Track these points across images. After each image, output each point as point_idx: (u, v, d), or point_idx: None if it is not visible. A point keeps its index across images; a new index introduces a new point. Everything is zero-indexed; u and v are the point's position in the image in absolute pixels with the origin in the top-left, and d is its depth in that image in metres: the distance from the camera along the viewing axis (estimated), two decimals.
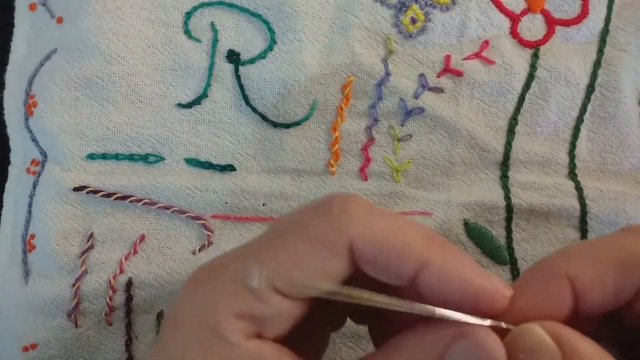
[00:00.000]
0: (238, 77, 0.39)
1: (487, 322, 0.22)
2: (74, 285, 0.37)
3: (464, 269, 0.21)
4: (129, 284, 0.37)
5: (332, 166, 0.39)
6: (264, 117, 0.39)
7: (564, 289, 0.22)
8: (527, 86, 0.39)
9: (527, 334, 0.21)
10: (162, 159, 0.39)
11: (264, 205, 0.38)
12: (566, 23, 0.39)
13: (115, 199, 0.38)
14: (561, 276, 0.22)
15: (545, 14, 0.39)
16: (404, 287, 0.22)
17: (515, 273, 0.39)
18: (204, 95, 0.39)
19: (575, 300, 0.22)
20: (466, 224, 0.38)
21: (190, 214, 0.38)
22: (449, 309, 0.21)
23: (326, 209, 0.22)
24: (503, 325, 0.22)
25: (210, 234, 0.38)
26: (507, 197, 0.38)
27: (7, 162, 0.41)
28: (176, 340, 0.22)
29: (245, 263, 0.22)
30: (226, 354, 0.21)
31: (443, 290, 0.21)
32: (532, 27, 0.39)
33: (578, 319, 0.22)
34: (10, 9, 0.42)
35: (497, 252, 0.38)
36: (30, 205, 0.39)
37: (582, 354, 0.20)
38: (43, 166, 0.39)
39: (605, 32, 0.39)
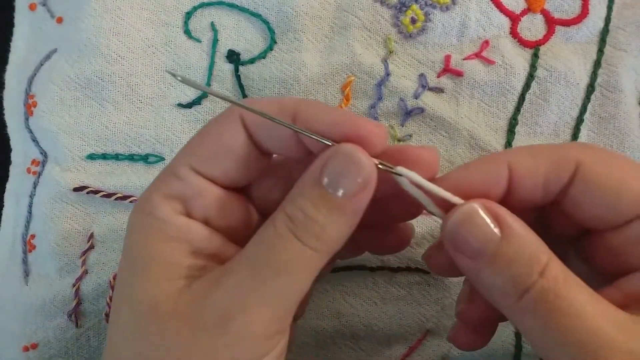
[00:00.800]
0: (238, 77, 0.39)
1: (440, 191, 0.25)
2: (74, 285, 0.37)
3: (331, 113, 0.25)
4: None
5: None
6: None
7: (501, 172, 0.25)
8: (527, 86, 0.39)
9: (468, 211, 0.24)
10: (162, 159, 0.39)
11: None
12: (566, 23, 0.39)
13: (115, 199, 0.38)
14: (501, 162, 0.26)
15: (545, 14, 0.39)
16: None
17: None
18: (204, 95, 0.39)
19: (510, 184, 0.25)
20: None
21: None
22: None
23: (224, 111, 0.27)
24: (457, 201, 0.25)
25: None
26: None
27: (8, 162, 0.41)
28: (128, 232, 0.26)
29: (173, 159, 0.27)
30: (156, 226, 0.25)
31: (319, 131, 0.25)
32: (532, 27, 0.39)
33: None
34: (10, 9, 0.42)
35: None
36: (30, 205, 0.39)
37: (516, 229, 0.24)
38: (43, 166, 0.39)
39: (605, 32, 0.39)
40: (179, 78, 0.25)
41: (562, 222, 0.28)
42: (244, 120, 0.26)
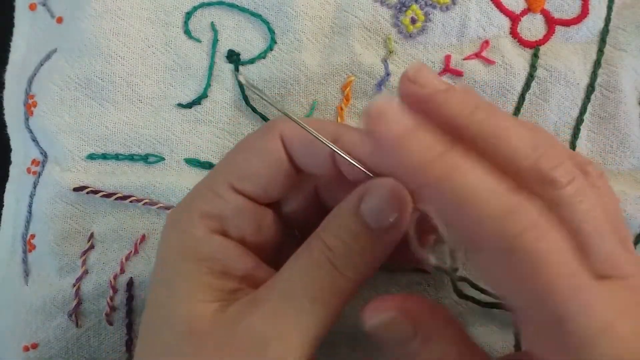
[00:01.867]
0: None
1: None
2: (74, 285, 0.37)
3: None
4: (130, 283, 0.37)
5: None
6: (263, 117, 0.39)
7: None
8: (527, 86, 0.39)
9: (388, 322, 0.25)
10: (162, 159, 0.39)
11: None
12: (566, 23, 0.39)
13: (116, 199, 0.38)
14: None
15: (545, 14, 0.39)
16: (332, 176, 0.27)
17: None
18: (204, 95, 0.39)
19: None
20: None
21: None
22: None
23: (263, 127, 0.28)
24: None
25: None
26: None
27: (8, 161, 0.41)
28: (162, 249, 0.26)
29: (210, 175, 0.27)
30: (194, 247, 0.25)
31: (358, 157, 0.25)
32: (532, 27, 0.39)
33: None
34: (10, 9, 0.42)
35: None
36: (30, 205, 0.39)
37: (431, 338, 0.24)
38: (43, 166, 0.39)
39: (605, 32, 0.39)
40: (245, 83, 0.28)
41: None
42: (283, 136, 0.27)
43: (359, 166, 0.25)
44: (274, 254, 0.28)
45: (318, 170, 0.27)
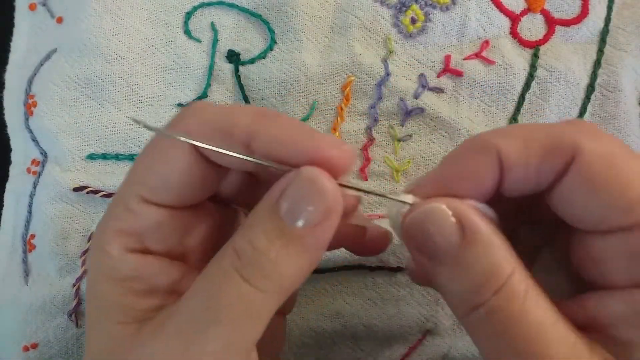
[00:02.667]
0: (238, 77, 0.39)
1: (408, 198, 0.23)
2: (74, 285, 0.37)
3: (292, 135, 0.22)
4: None
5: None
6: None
7: (491, 161, 0.22)
8: (527, 86, 0.39)
9: (432, 211, 0.22)
10: None
11: None
12: (566, 23, 0.39)
13: None
14: (491, 149, 0.22)
15: (545, 14, 0.39)
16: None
17: None
18: (204, 95, 0.39)
19: (500, 174, 0.23)
20: None
21: None
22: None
23: (169, 124, 0.24)
24: (410, 200, 0.23)
25: None
26: None
27: (8, 161, 0.41)
28: (88, 270, 0.25)
29: (121, 189, 0.24)
30: (109, 265, 0.23)
31: (278, 155, 0.22)
32: (532, 27, 0.39)
33: (500, 201, 0.23)
34: (10, 9, 0.42)
35: None
36: (30, 205, 0.39)
37: (480, 234, 0.21)
38: (43, 166, 0.39)
39: (605, 32, 0.39)
40: (141, 125, 0.23)
41: (544, 213, 0.25)
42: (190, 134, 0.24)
43: (275, 166, 0.22)
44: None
45: (242, 168, 0.24)
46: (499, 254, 0.21)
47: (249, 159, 0.22)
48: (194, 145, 0.23)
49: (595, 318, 0.22)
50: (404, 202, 0.23)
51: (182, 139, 0.22)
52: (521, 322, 0.20)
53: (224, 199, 0.27)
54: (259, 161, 0.22)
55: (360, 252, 0.28)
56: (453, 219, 0.22)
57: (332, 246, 0.25)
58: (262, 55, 0.39)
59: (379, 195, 0.25)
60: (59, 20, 0.40)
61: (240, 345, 0.21)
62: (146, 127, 0.22)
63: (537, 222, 0.27)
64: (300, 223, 0.21)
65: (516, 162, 0.22)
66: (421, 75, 0.39)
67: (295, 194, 0.21)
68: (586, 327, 0.22)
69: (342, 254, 0.38)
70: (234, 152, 0.22)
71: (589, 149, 0.21)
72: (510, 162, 0.22)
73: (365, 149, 0.39)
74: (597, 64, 0.39)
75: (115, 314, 0.23)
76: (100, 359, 0.23)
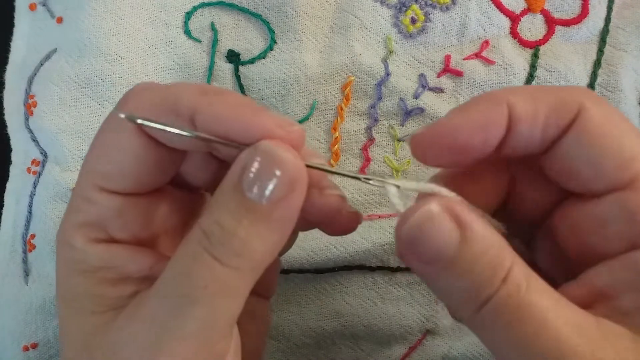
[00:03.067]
0: (238, 77, 0.39)
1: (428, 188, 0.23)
2: None
3: (236, 112, 0.22)
4: None
5: (332, 166, 0.39)
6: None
7: (501, 111, 0.23)
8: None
9: (427, 215, 0.21)
10: None
11: None
12: (566, 23, 0.39)
13: None
14: (501, 101, 0.23)
15: (545, 14, 0.39)
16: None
17: None
18: None
19: (509, 126, 0.23)
20: None
21: None
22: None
23: (116, 106, 0.24)
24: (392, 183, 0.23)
25: None
26: None
27: (8, 162, 0.41)
28: (55, 265, 0.25)
29: (78, 180, 0.24)
30: (74, 258, 0.23)
31: (224, 133, 0.22)
32: (532, 27, 0.39)
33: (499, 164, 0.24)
34: (10, 9, 0.42)
35: None
36: (30, 205, 0.39)
37: (477, 230, 0.21)
38: (43, 166, 0.39)
39: (605, 32, 0.39)
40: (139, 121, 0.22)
41: (540, 186, 0.25)
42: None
43: (224, 143, 0.22)
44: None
45: (189, 146, 0.24)
46: (498, 245, 0.21)
47: (194, 134, 0.22)
48: (143, 128, 0.22)
49: (599, 292, 0.22)
50: (381, 183, 0.23)
51: (123, 116, 0.22)
52: (529, 310, 0.20)
53: (189, 183, 0.27)
54: (207, 137, 0.22)
55: (333, 231, 0.27)
56: (450, 219, 0.21)
57: (305, 224, 0.26)
58: (262, 55, 0.39)
59: (348, 176, 0.24)
60: (59, 20, 0.40)
61: (220, 323, 0.21)
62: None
63: (525, 210, 0.27)
64: (264, 198, 0.21)
65: (525, 116, 0.23)
66: (421, 75, 0.39)
67: (256, 169, 0.21)
68: (593, 304, 0.22)
69: (342, 254, 0.38)
70: (177, 129, 0.22)
71: (592, 109, 0.22)
72: (520, 114, 0.23)
73: (365, 149, 0.39)
74: (597, 64, 0.39)
75: (88, 305, 0.23)
76: (79, 350, 0.23)
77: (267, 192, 0.21)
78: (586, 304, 0.22)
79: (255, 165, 0.21)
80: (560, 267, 0.25)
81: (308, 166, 0.22)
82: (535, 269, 0.22)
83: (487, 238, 0.21)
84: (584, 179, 0.23)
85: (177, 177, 0.26)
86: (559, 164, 0.23)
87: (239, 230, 0.21)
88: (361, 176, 0.24)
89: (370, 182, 0.24)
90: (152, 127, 0.22)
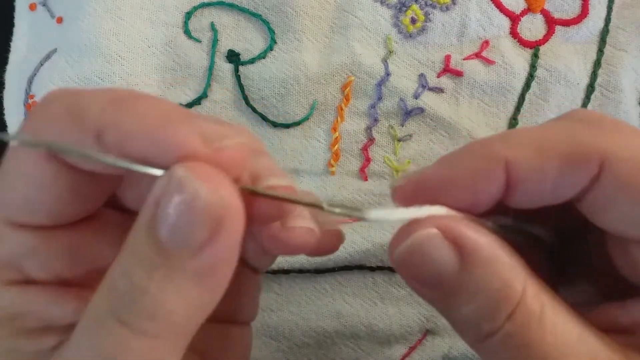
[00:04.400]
0: (238, 77, 0.39)
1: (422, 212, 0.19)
2: None
3: (149, 123, 0.17)
4: None
5: (332, 166, 0.39)
6: (263, 117, 0.39)
7: (496, 172, 0.19)
8: (527, 86, 0.39)
9: (421, 240, 0.19)
10: None
11: None
12: (566, 23, 0.39)
13: None
14: (497, 158, 0.19)
15: (545, 14, 0.39)
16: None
17: None
18: (203, 95, 0.39)
19: (507, 189, 0.19)
20: None
21: None
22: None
23: (20, 126, 0.20)
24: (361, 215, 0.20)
25: None
26: None
27: None
28: None
29: None
30: None
31: (134, 152, 0.17)
32: (532, 27, 0.39)
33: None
34: (10, 9, 0.42)
35: None
36: None
37: (481, 253, 0.18)
38: None
39: (605, 32, 0.39)
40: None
41: (573, 216, 0.22)
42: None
43: (135, 168, 0.17)
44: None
45: (110, 171, 0.19)
46: (506, 272, 0.18)
47: (99, 159, 0.17)
48: (48, 151, 0.18)
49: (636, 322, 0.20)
50: (348, 214, 0.19)
51: (15, 142, 0.19)
52: (542, 345, 0.18)
53: (131, 204, 0.22)
54: (113, 162, 0.17)
55: (310, 255, 0.23)
56: (447, 243, 0.18)
57: (269, 258, 0.22)
58: (262, 55, 0.39)
59: (308, 205, 0.20)
60: (59, 20, 0.40)
61: None
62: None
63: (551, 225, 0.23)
64: (181, 244, 0.16)
65: (529, 175, 0.19)
66: (421, 75, 0.39)
67: (170, 205, 0.16)
68: (627, 331, 0.20)
69: (342, 254, 0.38)
70: (80, 153, 0.17)
71: (618, 156, 0.18)
72: (522, 174, 0.19)
73: (365, 149, 0.39)
74: (597, 64, 0.39)
75: None
76: None
77: (185, 238, 0.16)
78: (624, 331, 0.20)
79: (169, 200, 0.16)
80: (585, 289, 0.23)
81: (254, 193, 0.18)
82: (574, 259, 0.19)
83: (494, 263, 0.18)
84: (626, 230, 0.20)
85: (115, 198, 0.22)
86: (593, 213, 0.20)
87: (150, 285, 0.16)
88: (324, 205, 0.19)
89: (336, 211, 0.19)
90: (54, 150, 0.18)
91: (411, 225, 0.19)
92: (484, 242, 0.19)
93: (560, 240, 0.23)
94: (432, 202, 0.19)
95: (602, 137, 0.19)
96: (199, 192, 0.16)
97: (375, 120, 0.39)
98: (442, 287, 0.19)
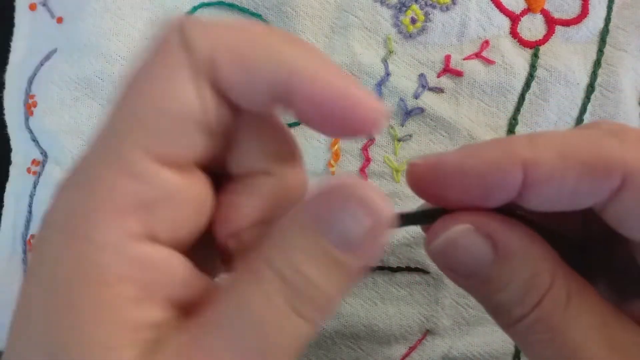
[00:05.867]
0: None
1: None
2: None
3: (334, 77, 0.17)
4: None
5: (332, 166, 0.39)
6: None
7: (515, 173, 0.19)
8: (527, 86, 0.39)
9: (457, 235, 0.20)
10: None
11: None
12: (566, 23, 0.39)
13: None
14: (514, 158, 0.19)
15: (545, 14, 0.39)
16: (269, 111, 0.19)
17: None
18: None
19: (523, 189, 0.19)
20: None
21: None
22: (318, 124, 0.18)
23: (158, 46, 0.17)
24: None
25: None
26: None
27: (8, 162, 0.41)
28: (47, 270, 0.16)
29: (111, 140, 0.17)
30: (106, 265, 0.16)
31: (314, 100, 0.17)
32: (532, 27, 0.39)
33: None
34: (10, 9, 0.42)
35: None
36: (30, 205, 0.39)
37: (514, 248, 0.20)
38: (43, 166, 0.39)
39: (605, 32, 0.39)
40: None
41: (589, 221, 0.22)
42: (199, 58, 0.17)
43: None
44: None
45: (255, 103, 0.18)
46: (535, 263, 0.20)
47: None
48: (210, 72, 0.16)
49: None
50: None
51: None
52: (566, 330, 0.19)
53: (236, 168, 0.20)
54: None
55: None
56: (480, 237, 0.20)
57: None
58: None
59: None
60: (59, 20, 0.40)
61: None
62: None
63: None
64: (354, 257, 0.18)
65: (547, 177, 0.19)
66: (421, 75, 0.39)
67: (344, 214, 0.17)
68: None
69: None
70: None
71: None
72: (540, 176, 0.19)
73: (365, 149, 0.39)
74: (597, 64, 0.39)
75: (108, 335, 0.16)
76: None
77: (359, 250, 0.18)
78: None
79: (349, 212, 0.17)
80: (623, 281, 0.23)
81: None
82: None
83: (524, 256, 0.20)
84: None
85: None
86: (614, 221, 0.20)
87: (328, 287, 0.18)
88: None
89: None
90: (237, 71, 0.16)
91: (446, 221, 0.20)
92: (515, 235, 0.20)
93: (579, 242, 0.24)
94: (443, 186, 0.20)
95: (626, 150, 0.19)
96: (382, 215, 0.18)
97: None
98: (477, 277, 0.20)
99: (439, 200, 0.21)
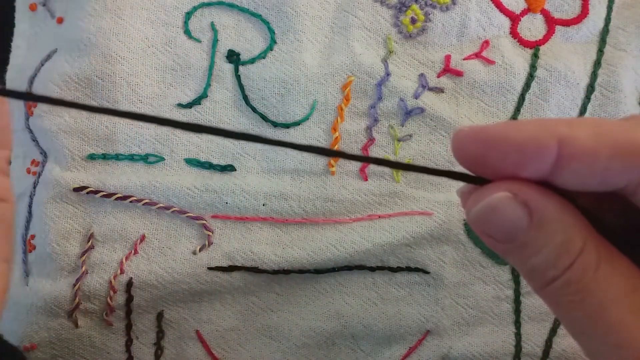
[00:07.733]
0: (238, 77, 0.39)
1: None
2: (74, 285, 0.37)
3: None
4: (130, 284, 0.37)
5: (332, 166, 0.39)
6: (263, 117, 0.39)
7: (550, 148, 0.20)
8: (527, 86, 0.39)
9: (494, 202, 0.22)
10: (162, 159, 0.39)
11: (264, 205, 0.38)
12: (566, 23, 0.39)
13: (116, 199, 0.38)
14: (555, 133, 0.20)
15: (545, 14, 0.39)
16: None
17: (515, 273, 0.39)
18: (204, 95, 0.39)
19: (556, 166, 0.21)
20: (466, 224, 0.39)
21: (190, 214, 0.38)
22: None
23: None
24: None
25: (210, 234, 0.38)
26: None
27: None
28: None
29: None
30: None
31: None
32: (532, 27, 0.39)
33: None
34: (10, 9, 0.42)
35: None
36: (30, 206, 0.39)
37: (548, 215, 0.21)
38: (43, 166, 0.39)
39: (605, 32, 0.39)
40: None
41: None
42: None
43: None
44: None
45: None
46: (568, 231, 0.21)
47: None
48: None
49: None
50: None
51: None
52: (596, 291, 0.21)
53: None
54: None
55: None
56: (518, 204, 0.21)
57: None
58: (262, 55, 0.39)
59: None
60: (59, 20, 0.40)
61: None
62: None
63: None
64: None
65: (580, 154, 0.20)
66: (421, 75, 0.39)
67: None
68: None
69: (342, 254, 0.38)
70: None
71: None
72: (573, 152, 0.20)
73: (365, 149, 0.39)
74: (597, 64, 0.39)
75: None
76: None
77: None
78: None
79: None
80: None
81: None
82: None
83: (557, 221, 0.21)
84: None
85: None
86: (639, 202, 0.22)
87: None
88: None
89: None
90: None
91: (486, 189, 0.22)
92: (550, 203, 0.21)
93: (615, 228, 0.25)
94: (484, 153, 0.22)
95: None
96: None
97: (375, 120, 0.39)
98: (514, 242, 0.22)
99: (478, 167, 0.22)
